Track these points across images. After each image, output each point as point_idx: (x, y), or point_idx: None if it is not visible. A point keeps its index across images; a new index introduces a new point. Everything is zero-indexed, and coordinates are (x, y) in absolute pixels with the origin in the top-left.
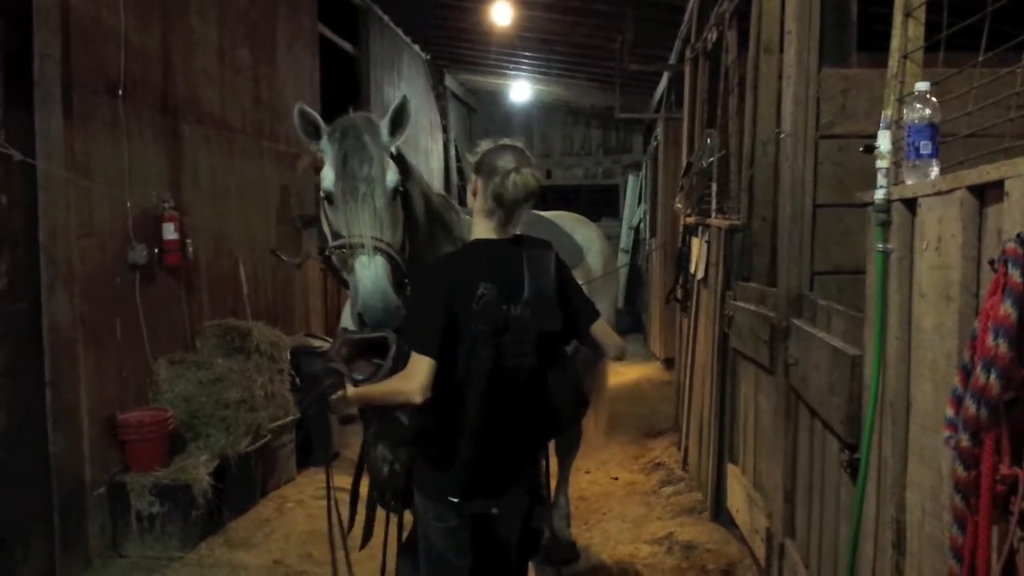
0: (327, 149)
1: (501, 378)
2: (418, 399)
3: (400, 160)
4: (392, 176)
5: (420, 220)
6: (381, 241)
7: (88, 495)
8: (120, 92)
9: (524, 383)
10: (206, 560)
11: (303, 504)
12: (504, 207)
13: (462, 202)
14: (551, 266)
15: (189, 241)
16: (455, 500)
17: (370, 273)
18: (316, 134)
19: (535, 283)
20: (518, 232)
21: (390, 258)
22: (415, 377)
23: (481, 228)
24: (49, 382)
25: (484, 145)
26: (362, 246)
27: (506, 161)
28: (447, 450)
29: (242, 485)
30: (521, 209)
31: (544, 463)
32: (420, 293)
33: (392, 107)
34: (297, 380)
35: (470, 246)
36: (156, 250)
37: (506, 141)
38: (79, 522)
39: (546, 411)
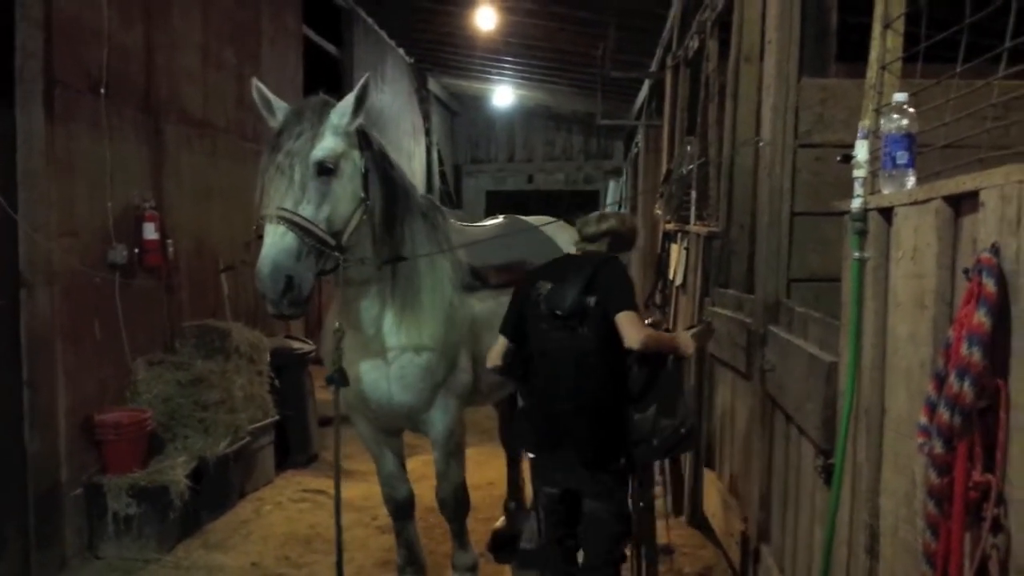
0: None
1: (553, 354)
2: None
3: (364, 137)
4: (321, 152)
5: (378, 203)
6: (290, 212)
7: (64, 496)
8: (102, 90)
9: (570, 362)
10: (183, 562)
11: (281, 506)
12: (581, 238)
13: (444, 205)
14: (591, 266)
15: (170, 241)
16: (531, 454)
17: (267, 242)
18: (269, 108)
19: (564, 278)
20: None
21: (302, 230)
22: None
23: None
24: (26, 381)
25: None
26: (265, 217)
27: (593, 215)
28: (531, 413)
29: (220, 487)
30: (590, 240)
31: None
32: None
33: (356, 86)
34: (276, 382)
35: (555, 258)
36: (136, 250)
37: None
38: (55, 523)
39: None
